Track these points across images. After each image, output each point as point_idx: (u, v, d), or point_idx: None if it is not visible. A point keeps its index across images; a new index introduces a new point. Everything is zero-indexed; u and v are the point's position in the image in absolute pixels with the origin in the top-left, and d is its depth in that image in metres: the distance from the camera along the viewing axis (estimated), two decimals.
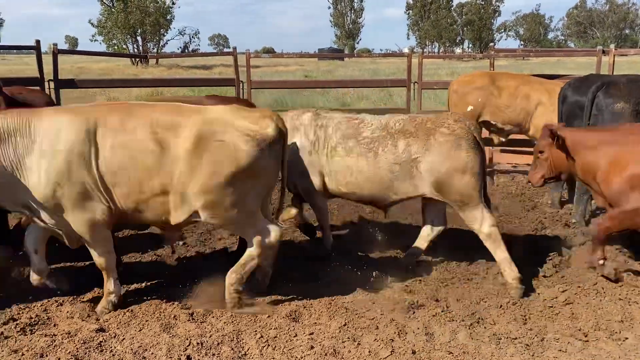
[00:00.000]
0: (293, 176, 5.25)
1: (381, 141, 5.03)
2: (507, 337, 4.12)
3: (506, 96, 8.19)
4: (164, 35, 54.66)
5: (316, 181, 5.32)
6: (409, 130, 5.01)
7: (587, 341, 4.08)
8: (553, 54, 24.50)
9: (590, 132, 5.35)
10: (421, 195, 5.11)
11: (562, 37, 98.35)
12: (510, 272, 4.89)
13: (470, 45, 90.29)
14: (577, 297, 4.78)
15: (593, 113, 6.40)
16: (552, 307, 4.63)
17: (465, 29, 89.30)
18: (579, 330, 4.22)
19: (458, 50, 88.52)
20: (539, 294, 4.89)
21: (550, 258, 5.61)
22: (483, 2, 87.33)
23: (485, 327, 4.28)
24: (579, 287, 4.92)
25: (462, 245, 6.04)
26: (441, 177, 4.87)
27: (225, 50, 58.12)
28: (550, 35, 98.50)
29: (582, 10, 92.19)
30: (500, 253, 4.94)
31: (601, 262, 4.95)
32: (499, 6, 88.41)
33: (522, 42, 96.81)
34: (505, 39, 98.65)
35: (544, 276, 5.22)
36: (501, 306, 4.62)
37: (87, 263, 5.55)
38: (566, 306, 4.62)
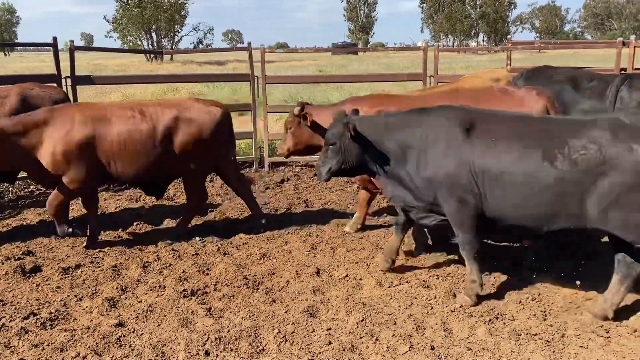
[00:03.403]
0: None
1: None
2: (527, 333, 4.07)
3: None
4: (179, 32, 55.02)
5: None
6: None
7: (609, 337, 4.01)
8: (572, 46, 24.09)
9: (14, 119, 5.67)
10: None
11: (579, 29, 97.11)
12: None
13: (485, 38, 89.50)
14: (598, 292, 4.70)
15: (617, 107, 6.42)
16: (572, 302, 4.57)
17: (479, 21, 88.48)
18: (601, 326, 4.16)
19: (473, 44, 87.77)
20: (558, 289, 4.82)
21: (569, 254, 5.54)
22: None
23: (504, 323, 4.24)
24: (599, 282, 4.85)
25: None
26: None
27: (239, 45, 58.25)
28: (567, 27, 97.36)
29: (600, 2, 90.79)
30: None
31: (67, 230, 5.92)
32: None
33: (537, 35, 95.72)
34: (521, 32, 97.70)
35: (564, 272, 5.14)
36: (520, 302, 4.57)
37: (106, 260, 5.61)
38: (587, 302, 4.55)
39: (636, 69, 9.90)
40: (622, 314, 4.30)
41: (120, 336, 4.05)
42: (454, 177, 4.32)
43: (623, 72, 9.40)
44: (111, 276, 5.17)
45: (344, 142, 4.70)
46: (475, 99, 5.66)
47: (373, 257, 5.54)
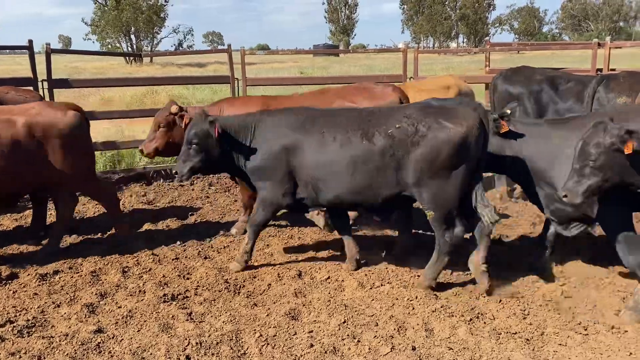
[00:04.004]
0: None
1: None
2: (507, 332, 4.11)
3: None
4: (158, 34, 54.52)
5: None
6: None
7: (587, 335, 4.07)
8: (549, 47, 24.46)
9: None
10: None
11: (557, 30, 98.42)
12: None
13: (465, 40, 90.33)
14: (576, 290, 4.78)
15: (594, 107, 6.57)
16: (551, 300, 4.63)
17: (459, 23, 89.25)
18: (579, 324, 4.22)
19: (453, 45, 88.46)
20: (538, 288, 4.88)
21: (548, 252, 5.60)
22: None
23: (484, 322, 4.27)
24: (578, 280, 4.92)
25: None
26: None
27: (220, 47, 57.91)
28: (545, 29, 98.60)
29: (577, 3, 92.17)
30: None
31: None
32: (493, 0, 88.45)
33: (516, 36, 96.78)
34: (500, 33, 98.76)
35: (543, 270, 5.20)
36: (500, 301, 4.61)
37: (85, 265, 5.53)
38: (565, 300, 4.62)
39: (612, 69, 10.08)
40: (600, 312, 4.37)
41: (99, 342, 3.99)
42: (285, 170, 4.91)
43: (599, 72, 9.56)
44: (90, 282, 5.10)
45: (207, 142, 5.02)
46: (342, 96, 6.40)
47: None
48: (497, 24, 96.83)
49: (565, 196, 4.12)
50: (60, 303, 4.66)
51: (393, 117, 4.64)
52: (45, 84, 8.45)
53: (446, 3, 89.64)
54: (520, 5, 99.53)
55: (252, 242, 5.31)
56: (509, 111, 4.93)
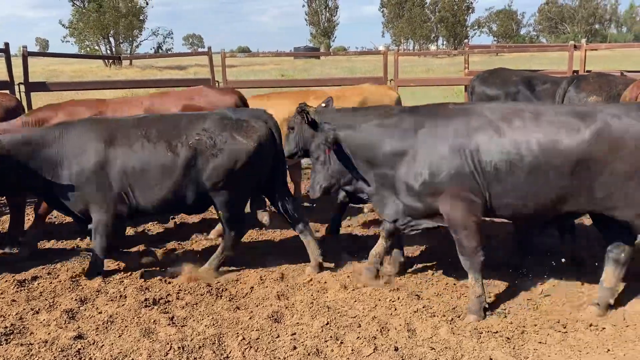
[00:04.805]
0: None
1: None
2: (488, 331, 4.15)
3: None
4: (138, 36, 54.02)
5: None
6: None
7: (566, 332, 4.14)
8: (527, 49, 24.85)
9: None
10: None
11: (534, 33, 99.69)
12: None
13: (445, 42, 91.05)
14: (555, 289, 4.85)
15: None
16: (530, 299, 4.69)
17: (439, 25, 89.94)
18: (558, 322, 4.28)
19: (433, 47, 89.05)
20: (517, 287, 4.93)
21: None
22: None
23: (466, 322, 4.31)
24: (557, 279, 4.99)
25: (442, 242, 6.08)
26: None
27: (200, 50, 57.52)
28: (523, 31, 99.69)
29: (553, 6, 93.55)
30: None
31: None
32: (472, 2, 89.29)
33: (495, 38, 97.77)
34: (479, 36, 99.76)
35: (523, 270, 5.27)
36: None
37: (64, 271, 5.47)
38: (545, 298, 4.68)
39: (587, 71, 10.26)
40: (579, 310, 4.45)
41: (79, 349, 3.94)
42: (105, 184, 4.91)
43: (575, 74, 9.73)
44: (70, 287, 5.03)
45: None
46: (187, 97, 6.66)
47: (337, 260, 5.56)
48: (476, 27, 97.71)
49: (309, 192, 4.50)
50: (39, 309, 4.59)
51: (194, 130, 4.94)
52: (22, 88, 8.34)
53: (425, 6, 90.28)
54: (499, 8, 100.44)
55: (101, 247, 5.18)
56: (323, 104, 5.27)
